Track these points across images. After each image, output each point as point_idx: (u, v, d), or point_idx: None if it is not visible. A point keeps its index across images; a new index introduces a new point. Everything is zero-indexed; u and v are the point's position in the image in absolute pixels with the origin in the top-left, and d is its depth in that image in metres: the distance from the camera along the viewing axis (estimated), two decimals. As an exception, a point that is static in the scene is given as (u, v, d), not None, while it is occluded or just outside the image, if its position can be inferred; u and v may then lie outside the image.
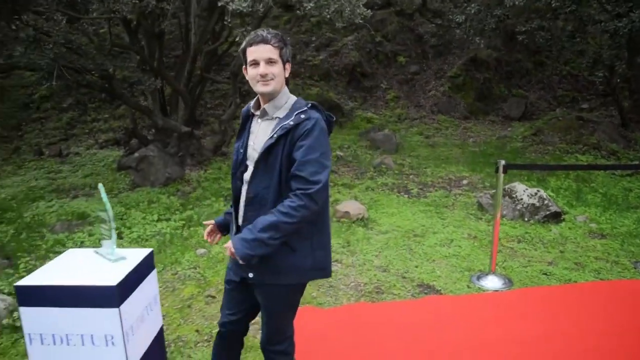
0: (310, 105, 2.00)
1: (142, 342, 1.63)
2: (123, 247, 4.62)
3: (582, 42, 7.55)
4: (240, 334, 2.32)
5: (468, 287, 4.00)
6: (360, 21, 5.11)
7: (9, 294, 3.69)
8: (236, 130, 8.80)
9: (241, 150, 2.06)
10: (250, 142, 2.03)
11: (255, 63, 1.90)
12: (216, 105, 10.24)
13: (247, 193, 1.97)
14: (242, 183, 2.03)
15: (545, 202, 5.43)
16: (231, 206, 2.17)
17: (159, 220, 5.41)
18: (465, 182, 7.00)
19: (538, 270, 4.26)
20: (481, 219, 5.57)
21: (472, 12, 6.49)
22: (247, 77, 2.00)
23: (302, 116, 1.92)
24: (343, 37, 12.27)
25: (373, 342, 3.16)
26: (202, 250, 4.55)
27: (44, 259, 4.50)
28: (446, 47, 11.69)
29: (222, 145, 7.56)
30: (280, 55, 1.93)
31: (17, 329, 3.26)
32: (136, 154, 6.66)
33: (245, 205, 1.99)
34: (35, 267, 4.28)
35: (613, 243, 4.85)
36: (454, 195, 6.48)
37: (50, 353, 1.51)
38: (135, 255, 1.73)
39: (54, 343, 1.50)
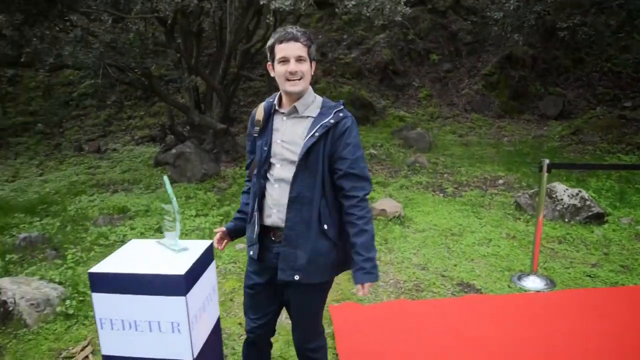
0: (342, 103, 2.06)
1: (204, 330, 1.69)
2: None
3: (627, 37, 7.33)
4: (269, 337, 2.33)
5: (509, 287, 3.96)
6: (400, 19, 5.11)
7: (59, 282, 3.83)
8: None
9: (265, 148, 2.03)
10: (276, 140, 2.01)
11: (285, 60, 1.90)
12: (249, 103, 10.36)
13: (290, 193, 1.95)
14: (266, 181, 2.03)
15: (587, 202, 5.32)
16: (245, 204, 2.19)
17: (197, 215, 5.52)
18: (501, 181, 6.91)
19: (581, 272, 4.18)
20: (519, 219, 5.49)
21: (511, 8, 6.39)
22: (272, 74, 2.00)
23: (341, 114, 1.96)
24: (375, 35, 12.24)
25: (414, 338, 3.17)
26: (240, 246, 4.63)
27: (88, 250, 4.65)
28: (480, 45, 11.54)
29: (257, 142, 7.64)
30: (309, 53, 1.94)
31: (69, 316, 3.39)
32: (173, 150, 6.81)
33: (288, 205, 1.96)
34: (81, 259, 4.44)
35: (660, 245, 4.72)
36: (490, 194, 6.40)
37: (120, 337, 1.57)
38: (197, 247, 1.79)
39: (123, 328, 1.57)
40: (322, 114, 1.98)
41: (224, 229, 2.27)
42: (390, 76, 11.64)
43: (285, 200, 1.97)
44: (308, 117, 1.99)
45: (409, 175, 7.21)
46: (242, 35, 7.93)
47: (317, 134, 1.92)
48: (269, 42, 1.98)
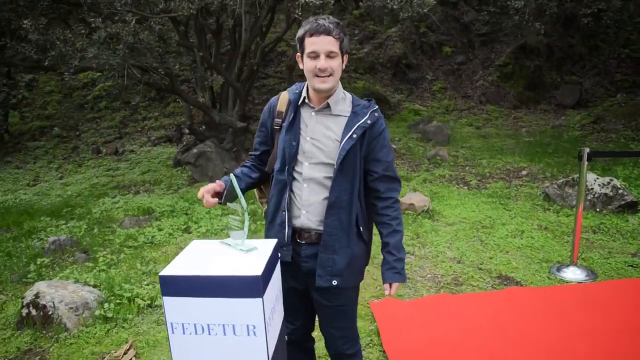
0: (373, 102, 1.96)
1: (275, 332, 1.63)
2: (194, 240, 4.70)
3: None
4: (310, 333, 2.26)
5: (549, 278, 3.88)
6: (425, 11, 5.01)
7: (94, 285, 3.79)
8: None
9: (294, 144, 1.89)
10: (305, 137, 1.89)
11: (315, 55, 1.78)
12: (264, 101, 10.29)
13: (329, 198, 1.86)
14: (293, 180, 1.91)
15: (620, 191, 5.21)
16: (245, 176, 2.09)
17: (222, 215, 5.46)
18: (524, 172, 6.81)
19: (622, 262, 4.09)
20: (549, 209, 5.40)
21: (533, -4, 6.27)
22: (301, 66, 1.88)
23: (376, 114, 1.89)
24: (387, 29, 12.14)
25: (459, 333, 3.10)
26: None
27: (118, 252, 4.61)
28: (494, 36, 11.39)
29: (276, 140, 7.58)
30: (341, 48, 1.81)
31: (108, 319, 3.35)
32: (194, 150, 6.76)
33: (327, 211, 1.87)
34: (112, 261, 4.40)
35: (697, 233, 4.62)
36: (515, 186, 6.31)
37: (192, 342, 1.51)
38: (265, 246, 1.73)
39: (196, 332, 1.51)
40: (356, 113, 1.88)
41: (222, 184, 1.98)
42: (403, 70, 11.54)
43: (314, 200, 1.89)
44: (340, 115, 1.89)
45: (430, 169, 7.12)
46: (257, 32, 7.86)
47: (354, 136, 1.83)
48: (299, 33, 1.85)
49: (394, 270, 1.93)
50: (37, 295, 3.37)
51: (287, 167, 1.88)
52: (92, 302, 3.47)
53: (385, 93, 10.81)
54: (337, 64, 1.81)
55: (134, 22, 4.28)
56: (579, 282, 3.79)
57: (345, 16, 12.63)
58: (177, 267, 1.55)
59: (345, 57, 1.89)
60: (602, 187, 5.27)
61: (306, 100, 1.93)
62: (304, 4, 4.44)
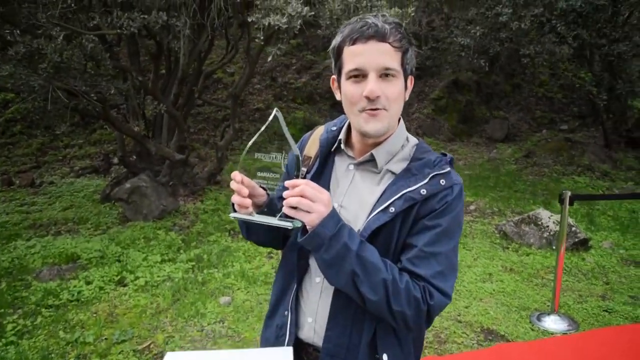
0: (449, 160, 1.24)
1: None
2: (130, 296, 3.86)
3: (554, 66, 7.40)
4: None
5: (532, 329, 3.52)
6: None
7: (2, 370, 2.87)
8: (237, 159, 7.73)
9: None
10: (334, 201, 1.22)
11: (360, 74, 1.15)
12: (199, 130, 9.49)
13: (334, 298, 1.24)
14: (306, 269, 1.30)
15: (573, 229, 5.07)
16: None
17: (162, 261, 4.64)
18: (472, 207, 6.60)
19: (596, 307, 3.83)
20: (507, 248, 5.14)
21: (478, 34, 6.21)
22: (338, 96, 1.26)
23: (443, 182, 1.18)
24: (324, 60, 11.85)
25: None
26: (225, 299, 3.85)
27: (34, 315, 3.66)
28: (428, 70, 11.47)
29: (218, 173, 6.84)
30: (403, 64, 1.16)
31: None
32: (127, 185, 5.85)
33: (330, 318, 1.23)
34: (25, 328, 3.46)
35: (652, 271, 4.52)
36: (467, 222, 6.04)
37: None
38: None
39: None
40: (409, 172, 1.21)
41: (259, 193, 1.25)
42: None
43: (325, 304, 1.25)
44: (389, 172, 1.25)
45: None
46: (195, 57, 7.16)
47: (392, 210, 1.16)
48: (335, 41, 1.21)
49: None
50: None
51: (300, 246, 1.17)
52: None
53: (325, 124, 10.42)
54: (397, 90, 1.17)
55: (61, 38, 3.47)
56: (564, 333, 3.45)
57: (281, 45, 12.21)
58: None
59: (411, 81, 1.24)
60: (557, 225, 5.09)
61: (343, 147, 1.31)
62: (265, 27, 3.88)
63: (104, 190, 6.63)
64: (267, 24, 3.80)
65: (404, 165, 1.25)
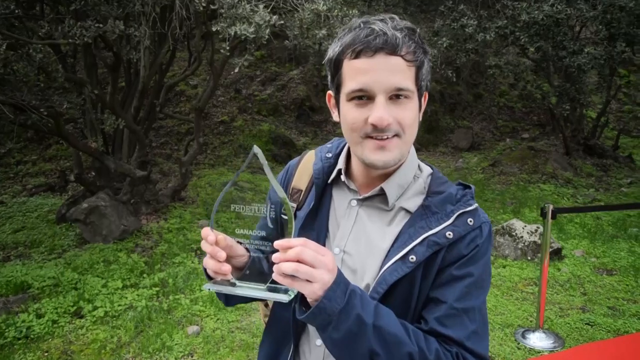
0: (472, 193, 1.02)
1: None
2: (87, 329, 3.48)
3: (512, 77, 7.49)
4: None
5: (518, 348, 3.36)
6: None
7: None
8: (202, 174, 7.36)
9: None
10: (334, 245, 1.03)
11: (364, 96, 0.93)
12: (162, 144, 9.06)
13: None
14: (304, 327, 1.08)
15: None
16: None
17: (124, 287, 4.25)
18: (443, 217, 6.48)
19: (578, 320, 3.72)
20: (483, 259, 5.01)
21: (444, 46, 6.17)
22: (335, 116, 1.03)
23: (471, 222, 0.97)
24: (289, 71, 11.64)
25: None
26: (194, 328, 3.51)
27: (-24, 357, 3.22)
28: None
29: (182, 190, 6.47)
30: (417, 80, 0.95)
31: None
32: (84, 204, 5.40)
33: None
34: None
35: (626, 279, 4.49)
36: (440, 233, 5.90)
37: None
38: None
39: None
40: (428, 210, 0.98)
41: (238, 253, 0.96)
42: (307, 112, 11.05)
43: None
44: (404, 210, 1.02)
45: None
46: (156, 69, 6.79)
47: (413, 259, 0.94)
48: (332, 51, 0.98)
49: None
50: None
51: (295, 303, 0.92)
52: None
53: (290, 136, 10.19)
54: (410, 115, 0.94)
55: (4, 47, 3.09)
56: (551, 351, 3.31)
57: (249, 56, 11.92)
58: None
59: (425, 97, 1.02)
60: (531, 235, 5.02)
61: (343, 178, 1.06)
62: (231, 37, 3.61)
63: (59, 210, 6.13)
64: (232, 33, 3.53)
65: (419, 200, 1.02)
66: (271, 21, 3.61)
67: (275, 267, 0.83)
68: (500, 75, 9.46)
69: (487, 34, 6.14)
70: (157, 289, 4.20)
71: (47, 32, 3.61)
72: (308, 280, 0.82)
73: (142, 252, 5.16)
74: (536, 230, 5.06)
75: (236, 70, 4.22)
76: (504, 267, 4.75)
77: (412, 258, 0.94)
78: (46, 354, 3.23)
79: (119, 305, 3.87)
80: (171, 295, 4.07)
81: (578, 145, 8.91)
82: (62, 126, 4.60)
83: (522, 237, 5.03)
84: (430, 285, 0.96)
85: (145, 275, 4.53)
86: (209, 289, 0.94)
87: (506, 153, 8.79)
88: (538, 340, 3.40)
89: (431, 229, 0.96)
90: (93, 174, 7.06)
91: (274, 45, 9.38)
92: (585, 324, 3.67)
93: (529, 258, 4.93)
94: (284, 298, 0.87)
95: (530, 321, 3.68)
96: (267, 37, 3.65)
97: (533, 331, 3.49)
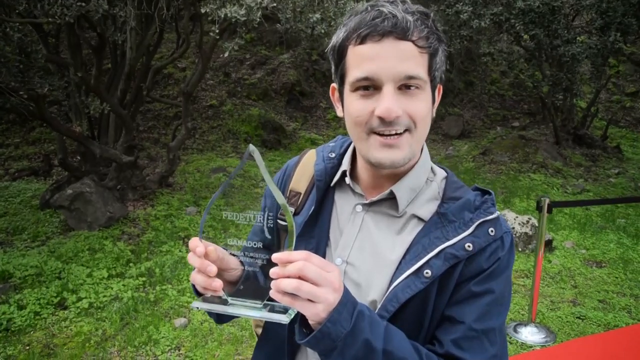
0: (492, 199, 0.92)
1: None
2: (71, 321, 3.35)
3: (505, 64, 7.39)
4: None
5: (510, 342, 3.31)
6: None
7: None
8: (190, 159, 7.23)
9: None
10: (336, 255, 0.93)
11: (371, 85, 0.83)
12: (149, 128, 8.84)
13: None
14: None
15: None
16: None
17: (110, 277, 4.12)
18: (434, 206, 6.43)
19: (569, 314, 3.70)
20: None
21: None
22: (339, 111, 0.93)
23: (492, 232, 0.86)
24: (279, 55, 11.40)
25: None
26: (181, 321, 3.41)
27: (-46, 350, 3.09)
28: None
29: (170, 175, 6.30)
30: (431, 70, 0.85)
31: None
32: (69, 190, 5.23)
33: None
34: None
35: (615, 272, 4.48)
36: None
37: None
38: None
39: None
40: (445, 218, 0.89)
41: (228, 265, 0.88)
42: (297, 97, 10.87)
43: None
44: (416, 218, 0.92)
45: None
46: (144, 51, 6.56)
47: (428, 273, 0.84)
48: (336, 37, 0.88)
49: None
50: None
51: (295, 323, 0.81)
52: None
53: (280, 121, 10.02)
54: (422, 108, 0.84)
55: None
56: (542, 345, 3.27)
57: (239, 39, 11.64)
58: None
59: (439, 91, 0.93)
60: (522, 226, 4.98)
61: (347, 180, 0.96)
62: (220, 19, 3.43)
63: (43, 196, 5.94)
64: (222, 15, 3.36)
65: (433, 207, 0.92)
66: (263, 3, 3.44)
67: (273, 284, 0.73)
68: (493, 63, 9.38)
69: (482, 20, 6.01)
70: (144, 278, 4.08)
71: (25, 9, 3.41)
72: (310, 300, 0.72)
73: (128, 240, 5.02)
74: (528, 222, 5.02)
75: (226, 54, 4.05)
76: (495, 258, 4.71)
77: (427, 273, 0.84)
78: (27, 347, 3.11)
79: (104, 296, 3.75)
80: (158, 285, 3.96)
81: (568, 134, 8.89)
82: (45, 109, 4.41)
83: (513, 228, 4.98)
84: (446, 302, 0.87)
85: (131, 264, 4.40)
86: (198, 308, 0.84)
87: (497, 141, 8.74)
88: (530, 334, 3.36)
89: (448, 239, 0.86)
90: (78, 158, 6.86)
91: (265, 28, 9.16)
92: (576, 317, 3.64)
93: (521, 249, 4.90)
94: (283, 319, 0.77)
95: (522, 314, 3.64)
96: (258, 20, 3.49)
97: (525, 325, 3.45)
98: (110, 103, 4.93)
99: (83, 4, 3.30)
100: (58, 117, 7.57)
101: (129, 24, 4.05)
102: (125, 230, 5.22)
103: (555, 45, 6.32)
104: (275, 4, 3.65)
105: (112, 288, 3.90)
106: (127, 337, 3.23)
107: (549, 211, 3.34)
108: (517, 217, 5.07)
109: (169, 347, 3.14)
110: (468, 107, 10.91)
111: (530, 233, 4.93)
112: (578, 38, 7.28)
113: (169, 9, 4.38)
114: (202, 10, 3.66)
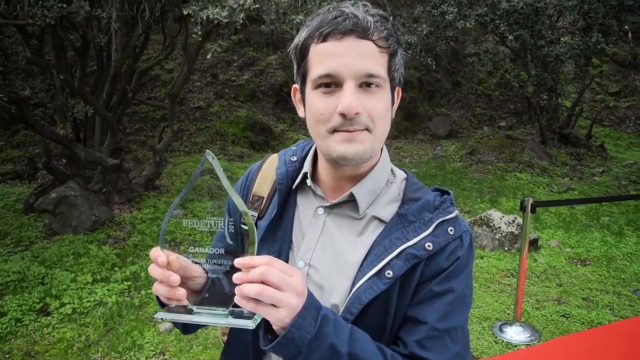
0: (451, 199, 0.92)
1: None
2: (54, 327, 3.30)
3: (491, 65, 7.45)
4: None
5: (495, 342, 3.32)
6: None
7: None
8: (177, 161, 7.15)
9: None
10: (298, 258, 0.92)
11: (332, 83, 0.83)
12: (136, 131, 8.76)
13: None
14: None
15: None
16: None
17: (94, 282, 4.06)
18: (421, 206, 6.43)
19: (554, 312, 3.71)
20: (460, 249, 4.97)
21: (424, 33, 6.04)
22: (301, 112, 0.94)
23: (451, 231, 0.87)
24: (267, 56, 11.37)
25: None
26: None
27: None
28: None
29: (156, 178, 6.24)
30: (390, 69, 0.86)
31: None
32: (53, 194, 5.15)
33: None
34: None
35: (599, 270, 4.51)
36: (418, 222, 5.85)
37: None
38: None
39: None
40: (405, 219, 0.88)
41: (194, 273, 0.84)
42: (285, 98, 10.82)
43: None
44: (377, 219, 0.91)
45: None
46: (129, 53, 6.49)
47: (390, 274, 0.83)
48: (298, 37, 0.89)
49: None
50: None
51: (259, 329, 0.79)
52: None
53: (268, 122, 9.99)
54: (381, 106, 0.84)
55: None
56: (527, 344, 3.28)
57: (222, 41, 11.58)
58: None
59: (398, 93, 0.92)
60: (508, 226, 5.00)
61: (309, 183, 0.96)
62: (204, 21, 3.40)
63: (27, 200, 5.84)
64: (205, 17, 3.33)
65: (394, 208, 0.92)
66: (245, 5, 3.41)
67: (237, 289, 0.72)
68: (479, 63, 9.43)
69: (467, 21, 6.04)
70: (129, 283, 4.02)
71: (5, 10, 3.34)
72: (274, 305, 0.71)
73: (114, 244, 4.96)
74: (514, 221, 5.04)
75: (209, 56, 4.02)
76: (482, 258, 4.73)
77: (388, 273, 0.84)
78: (7, 355, 3.05)
79: (88, 302, 3.69)
80: (143, 289, 3.91)
81: (553, 134, 8.96)
82: (27, 112, 4.34)
83: (499, 227, 5.00)
84: (408, 302, 0.86)
85: (116, 268, 4.34)
86: (163, 319, 0.82)
87: (484, 141, 8.78)
88: (515, 334, 3.37)
89: (409, 240, 0.86)
90: (64, 161, 6.77)
91: (251, 30, 9.13)
92: (561, 316, 3.66)
93: (507, 249, 4.92)
94: (249, 324, 0.75)
95: (508, 314, 3.65)
96: (241, 21, 3.46)
97: (510, 324, 3.45)
98: (95, 105, 4.87)
99: (64, 5, 3.25)
100: (43, 120, 7.48)
101: (112, 26, 3.98)
102: (110, 234, 5.16)
103: (540, 46, 6.37)
104: (258, 6, 3.63)
105: (96, 293, 3.84)
106: (111, 343, 3.18)
107: (533, 211, 3.35)
108: (503, 216, 5.10)
109: (154, 352, 3.10)
110: (455, 107, 10.96)
111: (516, 232, 4.96)
112: (561, 39, 7.35)
113: (152, 12, 4.33)
114: (185, 12, 3.62)
